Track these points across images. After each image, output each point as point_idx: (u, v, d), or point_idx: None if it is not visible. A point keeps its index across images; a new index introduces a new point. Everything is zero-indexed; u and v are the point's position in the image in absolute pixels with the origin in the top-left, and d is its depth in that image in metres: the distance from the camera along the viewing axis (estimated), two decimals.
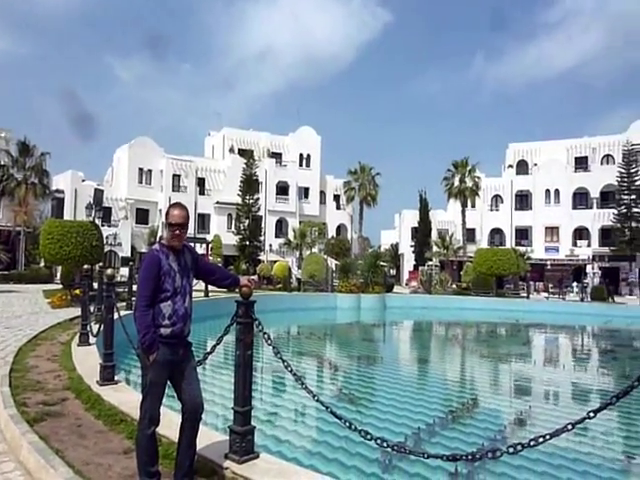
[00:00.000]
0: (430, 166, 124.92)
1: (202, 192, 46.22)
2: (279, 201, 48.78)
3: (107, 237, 37.58)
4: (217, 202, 45.85)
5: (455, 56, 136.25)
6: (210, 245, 37.57)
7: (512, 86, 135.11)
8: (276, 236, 47.39)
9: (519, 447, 2.66)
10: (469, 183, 44.48)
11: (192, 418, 3.03)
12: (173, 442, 3.45)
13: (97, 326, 7.55)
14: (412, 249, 48.20)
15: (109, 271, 6.43)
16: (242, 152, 47.91)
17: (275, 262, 35.00)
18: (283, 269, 29.22)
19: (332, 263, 32.04)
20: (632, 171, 39.59)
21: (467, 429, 6.06)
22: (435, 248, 42.69)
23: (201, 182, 46.68)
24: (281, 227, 48.89)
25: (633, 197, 39.55)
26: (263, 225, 45.10)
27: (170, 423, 3.62)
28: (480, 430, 6.03)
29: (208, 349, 3.96)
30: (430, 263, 39.96)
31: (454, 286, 32.22)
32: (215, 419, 5.78)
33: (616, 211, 40.25)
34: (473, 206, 47.13)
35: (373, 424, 6.00)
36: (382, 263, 30.89)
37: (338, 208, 53.81)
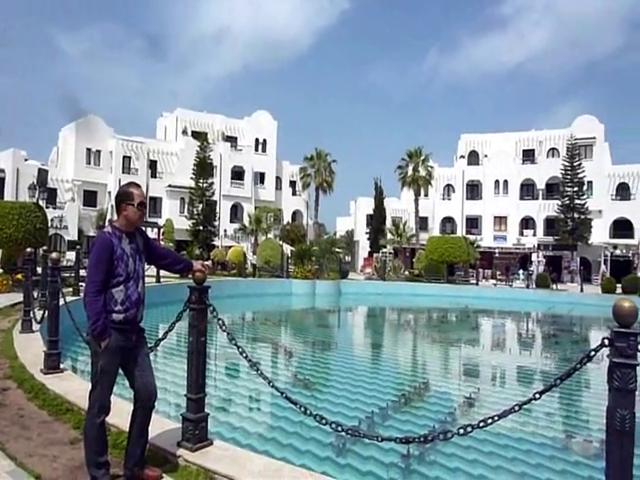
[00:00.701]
0: (385, 154, 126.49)
1: (154, 175, 44.90)
2: (234, 186, 48.06)
3: (52, 219, 35.89)
4: (169, 185, 44.67)
5: (411, 46, 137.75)
6: (162, 229, 36.64)
7: (465, 79, 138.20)
8: (231, 221, 46.78)
9: (469, 428, 2.73)
10: (422, 172, 45.31)
11: (145, 406, 2.95)
12: (123, 431, 3.34)
13: (41, 312, 7.21)
14: (367, 236, 48.82)
15: (54, 255, 6.11)
16: (196, 135, 46.77)
17: (230, 247, 34.56)
18: (238, 254, 28.89)
19: (287, 249, 31.96)
20: (575, 164, 41.46)
21: (419, 412, 6.21)
22: (389, 235, 43.38)
23: (153, 164, 45.30)
24: (236, 212, 48.26)
25: (576, 189, 41.49)
26: (217, 210, 44.35)
27: (120, 412, 3.50)
28: (431, 413, 6.19)
29: (160, 336, 3.84)
30: (384, 250, 40.62)
31: (407, 273, 32.89)
32: (167, 407, 5.65)
33: (560, 202, 42.13)
34: (426, 195, 48.14)
35: (327, 409, 6.04)
36: (337, 250, 31.08)
37: (294, 194, 53.63)
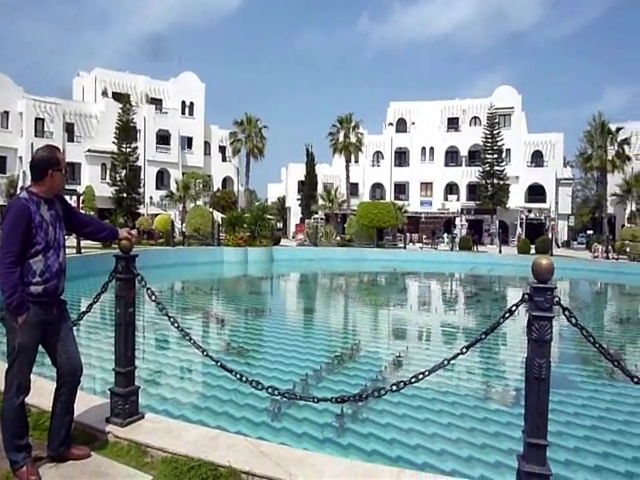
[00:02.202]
0: (318, 120, 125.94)
1: (71, 139, 41.95)
2: (160, 151, 46.04)
3: None
4: (89, 150, 42.02)
5: (342, 10, 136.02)
6: (82, 197, 34.49)
7: (395, 46, 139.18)
8: (157, 188, 45.02)
9: (401, 385, 2.84)
10: (353, 139, 45.67)
11: (70, 382, 2.80)
12: (44, 411, 3.16)
13: None
14: (299, 202, 48.83)
15: None
16: (117, 96, 44.03)
17: (156, 215, 33.26)
18: (165, 223, 27.86)
19: (218, 216, 31.32)
20: (495, 133, 43.47)
21: (351, 372, 6.40)
22: (321, 201, 43.67)
23: (70, 127, 42.27)
24: (162, 178, 46.42)
25: (495, 156, 43.65)
26: (142, 176, 42.45)
27: (41, 391, 3.30)
28: (363, 372, 6.40)
29: (84, 309, 3.63)
30: (316, 216, 40.90)
31: (338, 238, 33.41)
32: (93, 383, 5.43)
33: (481, 169, 44.20)
34: (356, 161, 48.70)
35: (262, 374, 6.07)
36: (269, 216, 30.89)
37: (224, 160, 52.29)
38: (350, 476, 2.66)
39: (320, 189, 46.21)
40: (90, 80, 46.57)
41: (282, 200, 56.14)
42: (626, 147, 40.39)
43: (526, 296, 2.41)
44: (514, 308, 2.54)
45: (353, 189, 48.36)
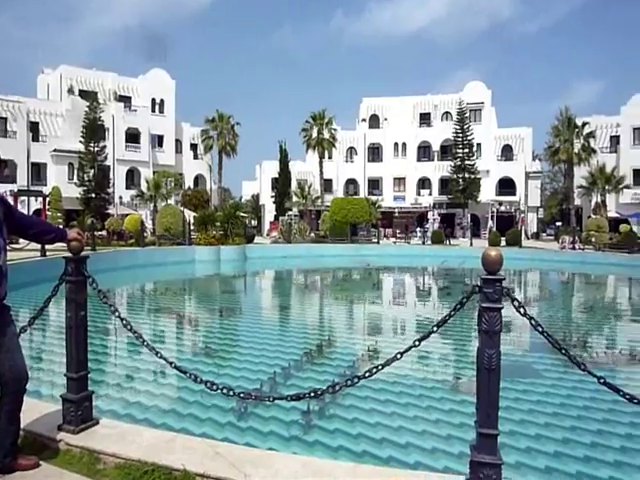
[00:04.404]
0: (292, 116, 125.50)
1: (36, 138, 40.83)
2: (129, 149, 45.16)
3: None
4: (55, 150, 40.92)
5: (316, 7, 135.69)
6: (48, 199, 33.62)
7: (368, 43, 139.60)
8: (127, 187, 44.16)
9: (355, 379, 2.84)
10: (326, 135, 45.61)
11: (15, 391, 2.68)
12: None
13: None
14: (273, 200, 48.60)
15: None
16: (84, 94, 43.02)
17: (126, 215, 32.63)
18: (135, 223, 27.32)
19: (190, 215, 30.93)
20: (465, 127, 44.03)
21: (320, 368, 6.39)
22: (295, 198, 43.56)
23: (34, 127, 41.10)
24: (132, 177, 45.57)
25: (466, 151, 44.21)
26: (111, 175, 41.62)
27: None
28: (332, 368, 6.39)
29: (35, 313, 3.51)
30: (290, 213, 40.79)
31: (312, 234, 33.37)
32: (55, 389, 5.26)
33: (452, 163, 44.73)
34: (330, 157, 48.67)
35: (230, 374, 6.00)
36: (242, 214, 30.64)
37: (196, 158, 51.64)
38: (307, 473, 2.64)
39: (294, 186, 46.04)
40: (55, 77, 45.34)
41: (256, 198, 55.80)
42: (591, 140, 41.39)
43: (477, 288, 2.42)
44: (465, 300, 2.55)
45: (327, 185, 48.34)
